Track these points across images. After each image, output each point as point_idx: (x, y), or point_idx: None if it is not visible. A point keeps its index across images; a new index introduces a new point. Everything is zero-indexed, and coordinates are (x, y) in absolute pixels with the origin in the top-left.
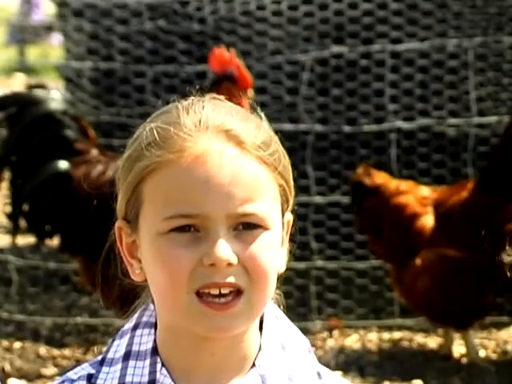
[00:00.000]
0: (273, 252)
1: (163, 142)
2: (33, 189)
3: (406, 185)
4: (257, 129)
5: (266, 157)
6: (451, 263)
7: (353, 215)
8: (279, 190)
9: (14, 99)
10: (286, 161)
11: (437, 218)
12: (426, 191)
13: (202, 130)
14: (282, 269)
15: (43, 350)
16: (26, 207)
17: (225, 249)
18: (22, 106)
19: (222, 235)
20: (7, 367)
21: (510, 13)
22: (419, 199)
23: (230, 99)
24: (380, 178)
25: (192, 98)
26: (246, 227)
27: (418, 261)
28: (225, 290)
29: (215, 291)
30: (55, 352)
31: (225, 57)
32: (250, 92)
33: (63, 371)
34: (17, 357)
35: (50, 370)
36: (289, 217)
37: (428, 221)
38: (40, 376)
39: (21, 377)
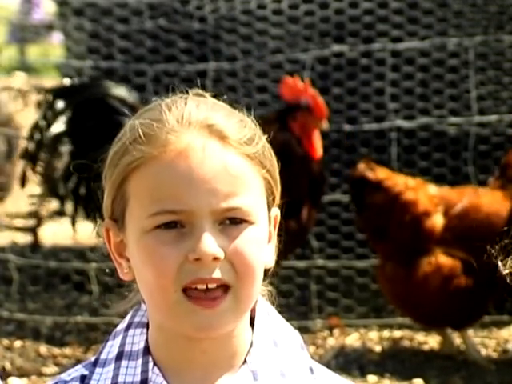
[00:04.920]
0: (259, 246)
1: (146, 138)
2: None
3: (414, 182)
4: (240, 123)
5: (250, 151)
6: (459, 266)
7: (354, 212)
8: (264, 183)
9: (79, 88)
10: (270, 155)
11: (447, 219)
12: (433, 189)
13: (184, 126)
14: (270, 264)
15: (44, 348)
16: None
17: (210, 243)
18: (87, 92)
19: (207, 230)
20: (8, 366)
21: (510, 11)
22: (429, 197)
23: (304, 128)
24: (382, 173)
25: (175, 95)
26: (232, 222)
27: (430, 261)
28: (212, 285)
29: (202, 286)
30: (56, 351)
31: (298, 86)
32: (325, 122)
33: (64, 370)
34: (17, 356)
35: (50, 369)
36: (276, 212)
37: (438, 220)
38: (40, 375)
39: (21, 376)
